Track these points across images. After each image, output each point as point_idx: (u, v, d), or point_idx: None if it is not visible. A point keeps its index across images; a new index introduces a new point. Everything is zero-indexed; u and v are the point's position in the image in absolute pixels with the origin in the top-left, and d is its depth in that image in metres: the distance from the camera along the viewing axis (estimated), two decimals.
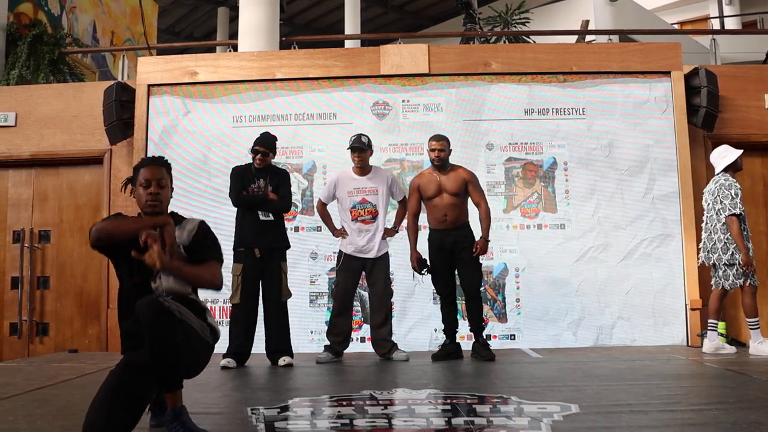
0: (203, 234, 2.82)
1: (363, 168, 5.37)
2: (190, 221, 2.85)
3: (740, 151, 5.48)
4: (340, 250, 5.39)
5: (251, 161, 5.22)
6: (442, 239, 5.20)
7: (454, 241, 5.16)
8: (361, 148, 5.29)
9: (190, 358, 2.58)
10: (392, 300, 5.55)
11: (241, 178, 5.15)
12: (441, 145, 5.23)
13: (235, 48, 7.74)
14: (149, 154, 6.47)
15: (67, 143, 6.87)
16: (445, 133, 5.44)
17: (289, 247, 5.22)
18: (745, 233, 5.34)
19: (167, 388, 2.58)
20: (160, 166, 2.85)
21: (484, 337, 5.27)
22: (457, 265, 5.19)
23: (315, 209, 5.74)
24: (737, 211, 5.26)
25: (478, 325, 5.19)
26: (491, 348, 5.22)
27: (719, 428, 2.69)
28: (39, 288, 6.89)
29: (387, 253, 5.39)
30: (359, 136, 5.37)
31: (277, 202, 5.09)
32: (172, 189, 2.90)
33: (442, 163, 5.23)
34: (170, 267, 2.61)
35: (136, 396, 2.54)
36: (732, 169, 5.47)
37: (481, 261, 5.25)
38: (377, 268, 5.32)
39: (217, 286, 2.80)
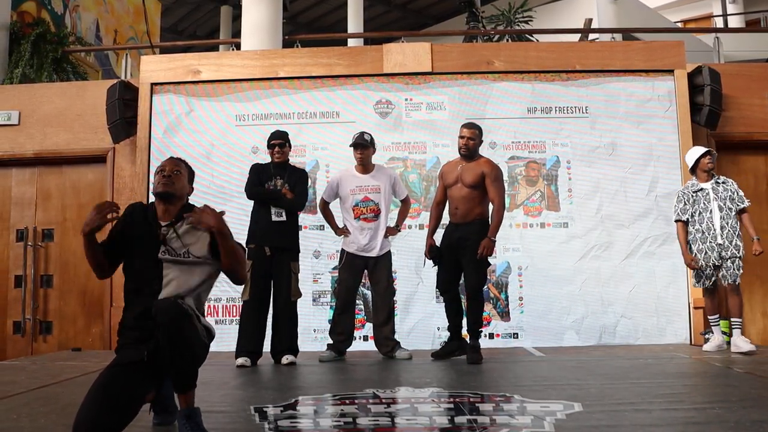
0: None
1: (365, 166, 5.37)
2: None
3: (696, 155, 5.54)
4: (342, 249, 5.39)
5: (268, 161, 5.24)
6: (451, 233, 5.06)
7: (460, 236, 4.97)
8: (363, 144, 5.29)
9: (201, 359, 2.65)
10: (395, 299, 5.55)
11: (258, 174, 5.17)
12: (471, 133, 5.06)
13: (238, 46, 7.75)
14: (152, 153, 6.50)
15: (71, 142, 6.88)
16: (448, 132, 5.42)
17: (298, 250, 5.21)
18: (701, 235, 5.41)
19: (180, 388, 2.60)
20: (180, 160, 3.00)
21: (479, 340, 4.97)
22: (462, 263, 4.98)
23: (317, 208, 5.73)
24: (674, 218, 5.59)
25: (472, 327, 4.96)
26: (482, 350, 4.97)
27: (722, 427, 2.69)
28: (42, 286, 6.91)
29: (389, 251, 5.38)
30: (362, 133, 5.36)
31: (290, 200, 5.09)
32: (191, 190, 3.00)
33: (469, 152, 5.05)
34: (222, 227, 2.68)
35: (125, 396, 2.54)
36: (697, 170, 5.56)
37: (490, 261, 5.06)
38: (379, 267, 5.30)
39: (242, 262, 2.86)
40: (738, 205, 5.38)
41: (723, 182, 5.47)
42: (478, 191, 4.99)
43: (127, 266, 2.85)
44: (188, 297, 2.72)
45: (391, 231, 5.39)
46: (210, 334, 2.78)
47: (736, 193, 5.42)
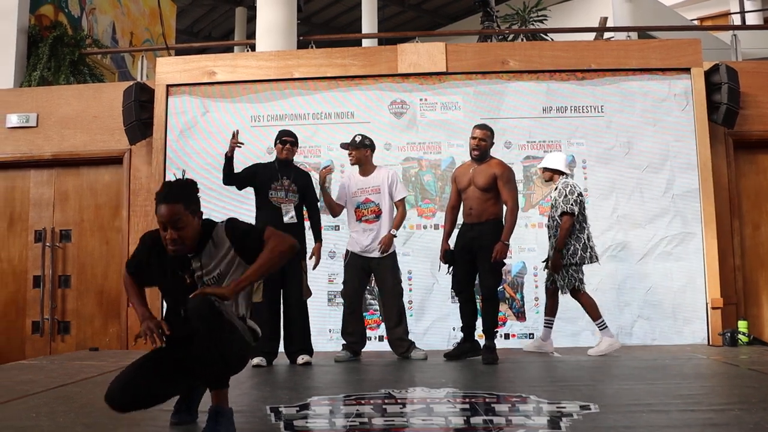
0: (236, 235, 2.71)
1: (363, 167, 5.34)
2: (219, 230, 2.73)
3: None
4: (347, 249, 5.38)
5: (273, 159, 5.25)
6: (465, 233, 5.08)
7: (474, 237, 4.99)
8: (351, 144, 5.27)
9: (235, 357, 2.60)
10: (409, 299, 5.52)
11: (259, 174, 5.18)
12: (482, 134, 5.08)
13: (252, 48, 7.76)
14: (168, 154, 6.53)
15: (88, 143, 6.94)
16: (463, 132, 5.40)
17: (306, 249, 5.21)
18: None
19: (211, 385, 2.58)
20: (175, 203, 2.61)
21: (494, 340, 5.01)
22: (477, 263, 5.01)
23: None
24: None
25: (487, 328, 4.98)
26: (498, 350, 5.00)
27: (741, 428, 2.66)
28: (60, 287, 6.97)
29: (394, 252, 5.32)
30: (355, 135, 5.35)
31: (311, 211, 5.26)
32: (200, 214, 2.73)
33: (480, 153, 5.07)
34: (234, 291, 2.57)
35: (162, 377, 2.60)
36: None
37: (505, 262, 5.10)
38: (383, 268, 5.26)
39: (288, 251, 2.66)
40: (556, 210, 5.38)
41: (555, 189, 5.46)
42: (491, 193, 5.01)
43: (161, 289, 2.89)
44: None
45: (384, 240, 5.21)
46: (255, 335, 2.78)
47: (556, 200, 5.37)
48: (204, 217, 2.76)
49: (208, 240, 2.71)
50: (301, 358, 4.96)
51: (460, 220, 5.31)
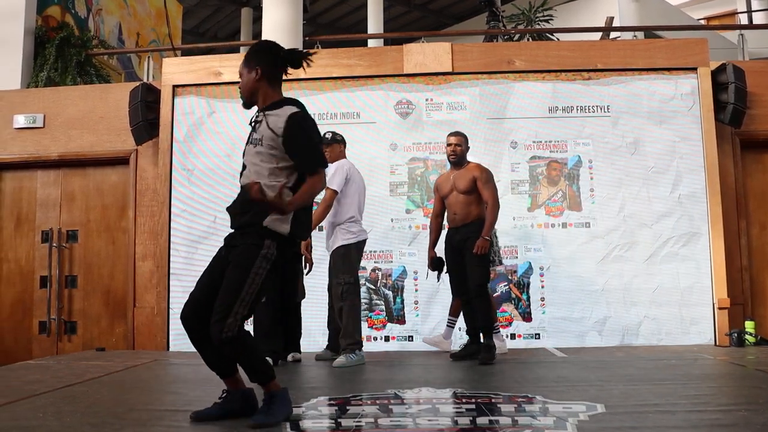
0: (293, 134, 2.88)
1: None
2: (285, 111, 2.92)
3: None
4: None
5: None
6: (452, 237, 5.19)
7: (461, 239, 5.08)
8: (323, 141, 5.17)
9: (257, 356, 2.92)
10: (413, 298, 5.49)
11: None
12: (457, 140, 5.19)
13: None
14: (174, 154, 6.56)
15: (94, 144, 6.96)
16: (468, 132, 5.42)
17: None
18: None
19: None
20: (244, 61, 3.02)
21: (493, 338, 5.01)
22: (466, 262, 5.06)
23: None
24: None
25: (483, 326, 5.00)
26: (501, 350, 5.06)
27: (749, 429, 2.65)
28: (67, 287, 6.99)
29: (339, 246, 5.06)
30: (326, 132, 5.16)
31: None
32: (261, 70, 2.97)
33: (457, 159, 5.20)
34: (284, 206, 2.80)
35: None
36: None
37: (492, 258, 5.22)
38: (331, 263, 5.15)
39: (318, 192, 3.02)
40: None
41: None
42: (473, 195, 5.12)
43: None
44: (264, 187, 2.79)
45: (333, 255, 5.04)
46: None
47: None
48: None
49: (275, 110, 2.95)
50: (292, 356, 5.09)
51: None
